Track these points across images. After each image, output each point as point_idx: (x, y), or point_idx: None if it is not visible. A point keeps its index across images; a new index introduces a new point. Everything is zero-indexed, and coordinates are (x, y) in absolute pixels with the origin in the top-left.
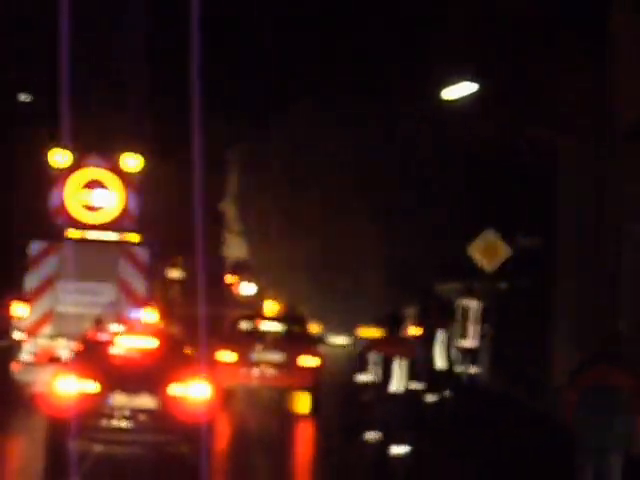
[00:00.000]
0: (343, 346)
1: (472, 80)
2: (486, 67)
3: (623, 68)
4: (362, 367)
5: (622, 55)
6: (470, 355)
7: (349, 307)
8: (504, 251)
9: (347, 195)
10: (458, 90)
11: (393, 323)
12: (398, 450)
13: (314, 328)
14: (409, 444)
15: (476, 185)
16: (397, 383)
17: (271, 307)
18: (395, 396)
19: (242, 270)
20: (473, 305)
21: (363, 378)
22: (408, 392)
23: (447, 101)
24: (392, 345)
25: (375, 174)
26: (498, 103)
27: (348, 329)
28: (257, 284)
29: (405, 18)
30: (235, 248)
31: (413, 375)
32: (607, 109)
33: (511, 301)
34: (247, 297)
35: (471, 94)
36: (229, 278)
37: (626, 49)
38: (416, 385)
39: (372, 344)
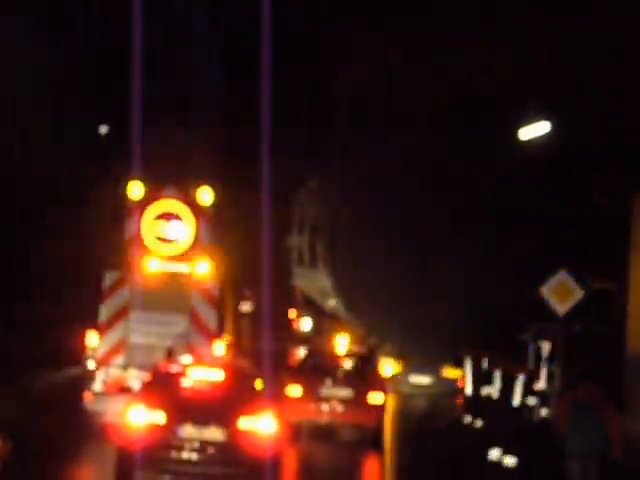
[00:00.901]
0: (426, 386)
1: (547, 119)
2: (563, 108)
3: None
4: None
5: None
6: (541, 397)
7: (433, 344)
8: (577, 293)
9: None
10: (534, 130)
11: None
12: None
13: (395, 366)
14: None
15: (552, 227)
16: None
17: (341, 343)
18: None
19: (306, 304)
20: (545, 346)
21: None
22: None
23: (523, 141)
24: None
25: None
26: (573, 144)
27: (432, 368)
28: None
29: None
30: (305, 281)
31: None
32: None
33: (583, 344)
34: (306, 333)
35: (546, 135)
36: (291, 313)
37: None
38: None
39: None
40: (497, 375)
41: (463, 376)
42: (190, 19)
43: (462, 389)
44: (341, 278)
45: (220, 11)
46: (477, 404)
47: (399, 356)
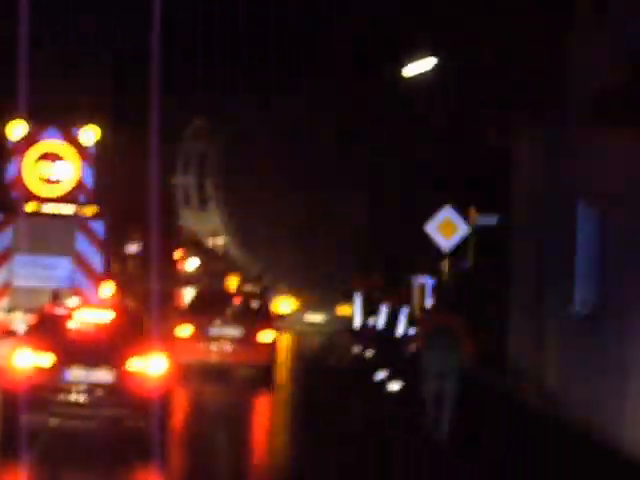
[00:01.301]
0: (320, 324)
1: (432, 55)
2: (444, 41)
3: (580, 37)
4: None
5: (579, 24)
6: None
7: (329, 283)
8: (462, 229)
9: (330, 167)
10: (417, 66)
11: None
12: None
13: (292, 304)
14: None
15: (438, 161)
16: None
17: (233, 282)
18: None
19: (192, 244)
20: (429, 283)
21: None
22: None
23: (408, 78)
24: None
25: (355, 150)
26: (456, 78)
27: (327, 307)
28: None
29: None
30: (191, 221)
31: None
32: (561, 82)
33: (468, 279)
34: (191, 272)
35: (430, 70)
36: (177, 253)
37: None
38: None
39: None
40: (383, 308)
41: (353, 310)
42: None
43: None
44: (234, 217)
45: None
46: (365, 335)
47: (294, 295)
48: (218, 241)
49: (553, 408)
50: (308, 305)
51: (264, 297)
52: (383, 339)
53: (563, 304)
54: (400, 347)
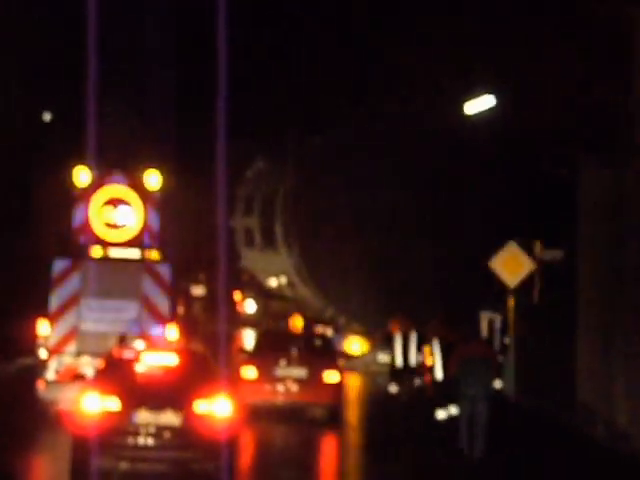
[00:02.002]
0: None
1: (491, 93)
2: (505, 80)
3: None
4: None
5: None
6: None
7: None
8: (527, 264)
9: (407, 212)
10: (478, 104)
11: None
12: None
13: (364, 345)
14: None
15: (501, 198)
16: None
17: (295, 323)
18: None
19: (252, 285)
20: (498, 319)
21: None
22: None
23: (468, 115)
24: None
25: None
26: (519, 116)
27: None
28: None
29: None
30: (253, 262)
31: None
32: (625, 118)
33: (535, 315)
34: (250, 315)
35: (491, 108)
36: (236, 295)
37: None
38: None
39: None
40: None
41: (430, 354)
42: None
43: (429, 368)
44: (305, 256)
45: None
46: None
47: (367, 335)
48: (282, 282)
49: (623, 444)
50: (381, 345)
51: (327, 337)
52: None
53: (632, 338)
54: None
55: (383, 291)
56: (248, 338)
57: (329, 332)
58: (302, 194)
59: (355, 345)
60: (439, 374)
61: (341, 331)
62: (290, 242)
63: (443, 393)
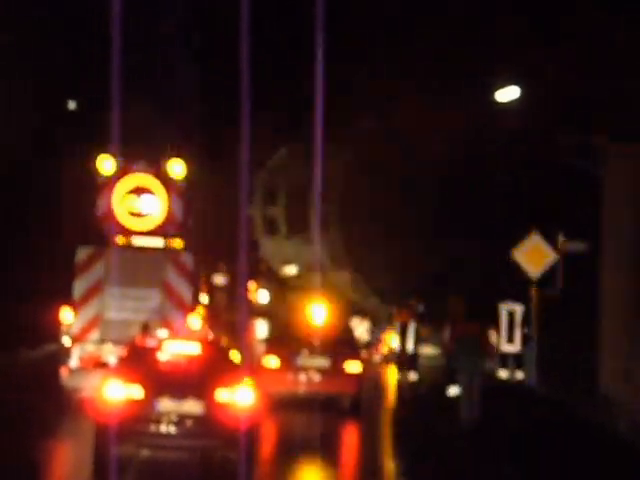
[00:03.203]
0: (433, 357)
1: (518, 83)
2: (534, 69)
3: None
4: None
5: None
6: (515, 360)
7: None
8: (550, 255)
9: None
10: (504, 94)
11: None
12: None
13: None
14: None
15: (523, 188)
16: None
17: (317, 312)
18: None
19: (267, 275)
20: (518, 309)
21: None
22: None
23: (499, 103)
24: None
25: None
26: (546, 105)
27: (438, 337)
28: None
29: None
30: (273, 251)
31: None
32: None
33: (558, 306)
34: (263, 305)
35: (518, 97)
36: (251, 285)
37: None
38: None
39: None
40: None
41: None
42: None
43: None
44: (353, 250)
45: None
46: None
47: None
48: (309, 269)
49: None
50: (422, 338)
51: (348, 327)
52: None
53: None
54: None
55: (415, 276)
56: (261, 328)
57: (360, 322)
58: (357, 177)
59: (395, 338)
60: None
61: (382, 324)
62: (334, 228)
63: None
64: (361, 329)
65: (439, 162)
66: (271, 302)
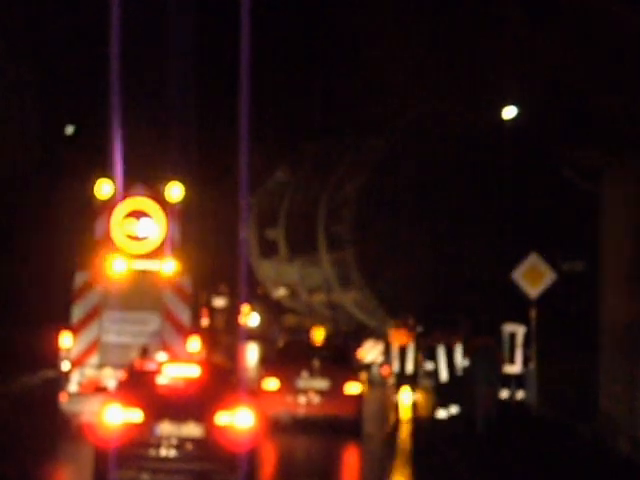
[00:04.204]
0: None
1: (514, 103)
2: (527, 90)
3: None
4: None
5: None
6: (516, 380)
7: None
8: (549, 276)
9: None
10: (506, 112)
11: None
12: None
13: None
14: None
15: (520, 207)
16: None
17: (318, 335)
18: None
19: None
20: (520, 330)
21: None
22: None
23: (504, 121)
24: None
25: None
26: (541, 125)
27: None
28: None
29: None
30: (272, 273)
31: None
32: None
33: (557, 326)
34: (253, 328)
35: (513, 118)
36: (244, 308)
37: None
38: None
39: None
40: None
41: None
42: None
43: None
44: (363, 260)
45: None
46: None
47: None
48: (312, 291)
49: None
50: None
51: (347, 348)
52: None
53: None
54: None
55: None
56: (251, 352)
57: (374, 345)
58: (371, 197)
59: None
60: (444, 376)
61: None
62: (344, 246)
63: (446, 394)
64: (375, 352)
65: (447, 181)
66: (262, 325)
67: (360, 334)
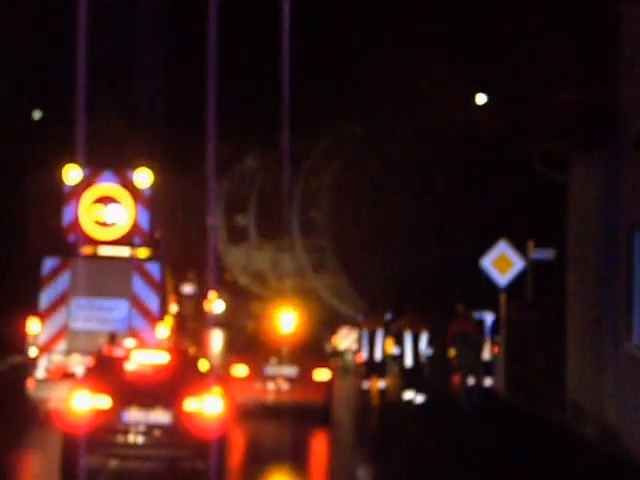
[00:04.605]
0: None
1: (484, 91)
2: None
3: (628, 76)
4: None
5: (627, 61)
6: (484, 367)
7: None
8: (518, 263)
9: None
10: (478, 98)
11: None
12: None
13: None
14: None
15: (487, 195)
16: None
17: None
18: None
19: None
20: (488, 318)
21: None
22: None
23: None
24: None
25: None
26: (508, 115)
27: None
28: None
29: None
30: (241, 260)
31: None
32: (615, 117)
33: (525, 313)
34: (218, 315)
35: (483, 106)
36: (211, 295)
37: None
38: None
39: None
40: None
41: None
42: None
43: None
44: (338, 244)
45: None
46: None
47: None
48: (289, 279)
49: (612, 443)
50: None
51: (316, 335)
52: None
53: (622, 338)
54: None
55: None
56: (216, 338)
57: (349, 332)
58: (349, 182)
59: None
60: (408, 362)
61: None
62: (319, 232)
63: (411, 379)
64: (350, 339)
65: (423, 169)
66: (229, 312)
67: (332, 321)
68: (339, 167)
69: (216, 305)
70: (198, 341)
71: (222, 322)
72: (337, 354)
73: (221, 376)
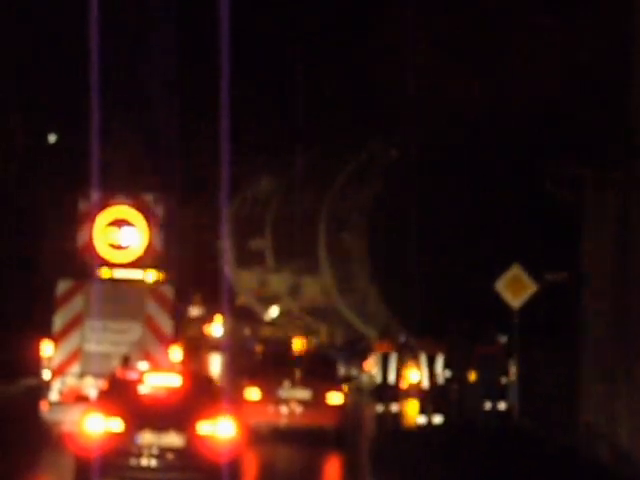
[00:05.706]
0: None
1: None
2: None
3: None
4: None
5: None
6: (500, 391)
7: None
8: (530, 286)
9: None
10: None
11: None
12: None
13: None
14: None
15: (501, 218)
16: None
17: (299, 345)
18: None
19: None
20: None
21: None
22: None
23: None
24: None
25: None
26: (523, 137)
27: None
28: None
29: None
30: (255, 283)
31: None
32: (630, 137)
33: (540, 336)
34: (217, 338)
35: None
36: (217, 318)
37: None
38: None
39: None
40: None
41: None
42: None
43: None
44: (380, 267)
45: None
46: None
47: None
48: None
49: (626, 466)
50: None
51: (329, 358)
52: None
53: (634, 360)
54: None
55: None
56: (214, 362)
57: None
58: (385, 205)
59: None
60: (425, 383)
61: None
62: (350, 253)
63: (428, 402)
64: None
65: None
66: (236, 335)
67: (350, 346)
68: (375, 189)
69: (223, 328)
70: (200, 364)
71: (231, 345)
72: (350, 378)
73: (234, 399)
